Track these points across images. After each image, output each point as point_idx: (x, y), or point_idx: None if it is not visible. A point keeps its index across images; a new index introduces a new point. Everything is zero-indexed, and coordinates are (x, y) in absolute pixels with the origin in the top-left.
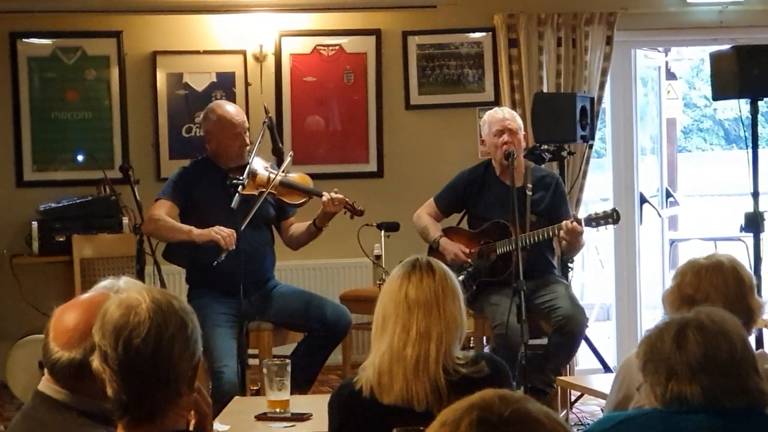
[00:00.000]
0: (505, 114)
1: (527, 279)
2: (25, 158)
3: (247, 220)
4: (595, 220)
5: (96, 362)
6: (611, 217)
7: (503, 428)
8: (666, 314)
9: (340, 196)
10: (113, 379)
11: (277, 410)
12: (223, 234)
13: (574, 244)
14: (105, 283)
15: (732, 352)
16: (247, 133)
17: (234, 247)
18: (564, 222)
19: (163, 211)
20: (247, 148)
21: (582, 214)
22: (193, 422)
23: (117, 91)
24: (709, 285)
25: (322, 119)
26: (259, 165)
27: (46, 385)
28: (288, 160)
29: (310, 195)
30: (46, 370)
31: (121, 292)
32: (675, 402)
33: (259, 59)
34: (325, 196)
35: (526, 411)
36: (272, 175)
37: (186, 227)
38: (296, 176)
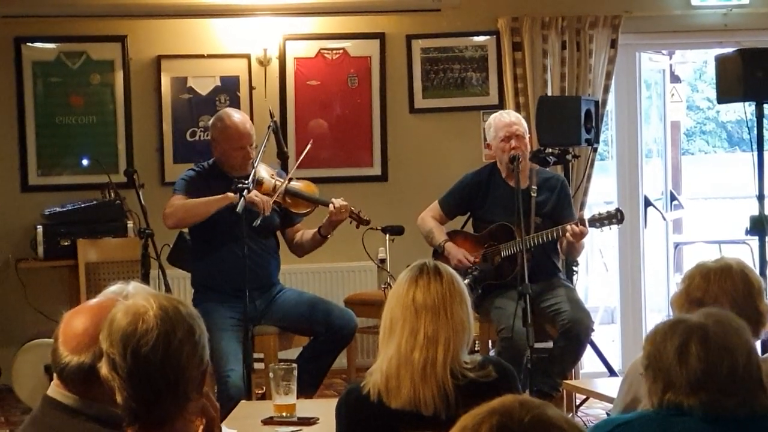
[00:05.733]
0: (511, 118)
1: (532, 282)
2: (30, 163)
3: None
4: (599, 221)
5: (104, 370)
6: (615, 218)
7: None
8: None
9: (345, 203)
10: (123, 387)
11: (284, 414)
12: (262, 197)
13: (575, 245)
14: (114, 288)
15: (733, 368)
16: (253, 145)
17: (269, 212)
18: (569, 225)
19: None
20: (251, 160)
21: (586, 216)
22: (201, 427)
23: (121, 96)
24: (717, 288)
25: (326, 123)
26: (265, 172)
27: (55, 390)
28: (294, 169)
29: (316, 204)
30: (55, 375)
31: (129, 298)
32: (671, 409)
33: (263, 63)
34: (332, 206)
35: (547, 417)
36: (278, 184)
37: (219, 195)
38: (302, 184)
